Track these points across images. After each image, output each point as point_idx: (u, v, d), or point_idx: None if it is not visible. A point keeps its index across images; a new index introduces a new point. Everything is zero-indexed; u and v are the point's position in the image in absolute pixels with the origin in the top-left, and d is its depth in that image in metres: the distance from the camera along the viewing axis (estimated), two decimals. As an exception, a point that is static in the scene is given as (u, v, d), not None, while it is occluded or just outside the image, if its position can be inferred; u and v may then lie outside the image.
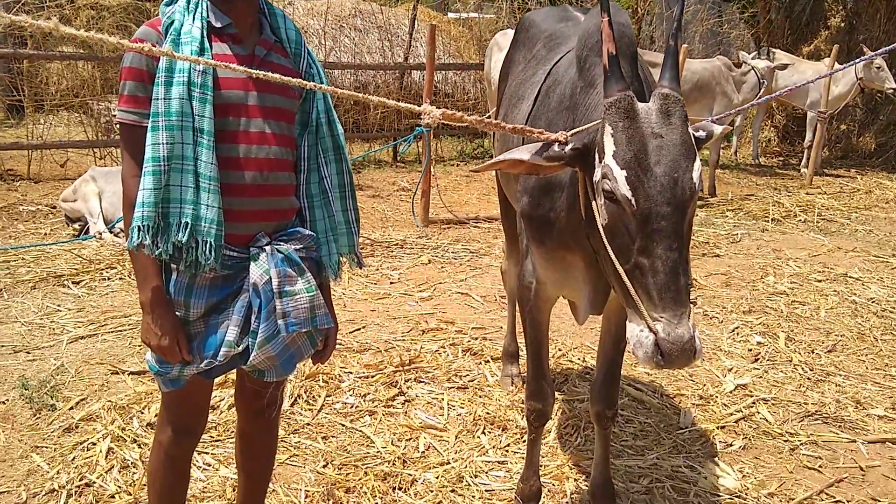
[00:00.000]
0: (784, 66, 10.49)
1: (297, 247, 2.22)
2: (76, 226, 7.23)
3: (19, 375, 4.17)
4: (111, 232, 6.89)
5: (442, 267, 6.63)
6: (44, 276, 5.80)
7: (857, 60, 3.63)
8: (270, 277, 2.11)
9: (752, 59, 10.32)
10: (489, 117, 9.07)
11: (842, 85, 11.22)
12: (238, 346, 2.13)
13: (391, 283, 6.15)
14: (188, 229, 2.03)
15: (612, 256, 2.05)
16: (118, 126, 2.14)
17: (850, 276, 6.62)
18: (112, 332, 4.85)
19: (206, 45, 2.11)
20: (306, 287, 2.17)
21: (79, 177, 7.68)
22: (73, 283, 5.73)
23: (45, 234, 7.26)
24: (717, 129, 2.25)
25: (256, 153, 2.15)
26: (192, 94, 2.04)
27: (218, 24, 2.15)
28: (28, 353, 4.53)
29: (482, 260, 6.87)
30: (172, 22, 2.10)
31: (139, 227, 2.01)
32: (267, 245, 2.17)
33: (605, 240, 2.07)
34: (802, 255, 7.31)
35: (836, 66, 10.36)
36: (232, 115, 2.12)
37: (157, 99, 2.02)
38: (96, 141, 9.96)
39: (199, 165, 2.05)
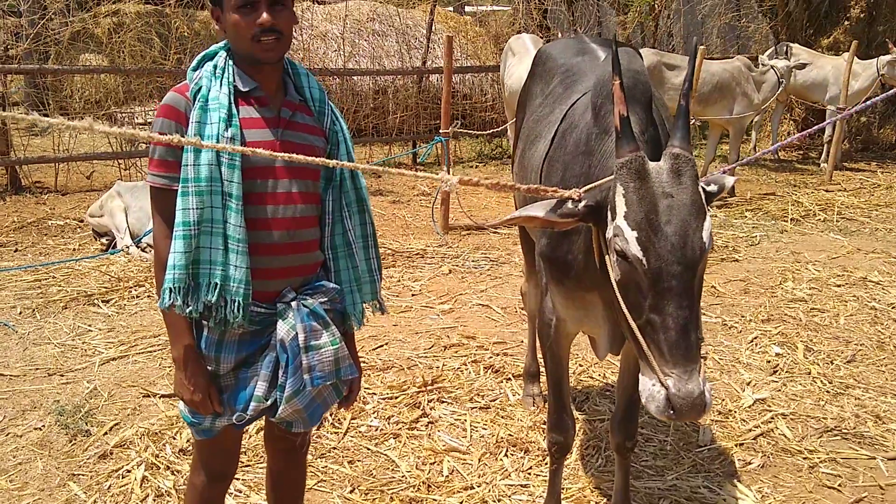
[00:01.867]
0: (803, 66, 10.45)
1: (323, 300, 2.30)
2: (104, 240, 7.38)
3: (54, 400, 4.30)
4: (137, 246, 7.03)
5: (462, 277, 6.72)
6: (74, 296, 5.93)
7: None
8: (297, 333, 2.20)
9: (770, 57, 10.27)
10: (505, 125, 9.08)
11: (862, 80, 11.04)
12: (267, 401, 2.22)
13: (412, 294, 6.24)
14: (217, 289, 2.12)
15: (625, 311, 2.12)
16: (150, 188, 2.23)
17: (869, 280, 6.62)
18: (142, 352, 4.97)
19: (234, 110, 2.18)
20: (331, 340, 2.26)
21: (105, 188, 7.83)
22: (102, 301, 5.86)
23: (74, 249, 7.40)
24: (729, 181, 2.30)
25: (283, 213, 2.23)
26: (221, 159, 2.12)
27: (245, 89, 2.22)
28: (62, 375, 4.66)
29: (502, 269, 6.95)
30: (200, 88, 2.18)
31: (170, 288, 2.10)
32: (293, 300, 2.24)
33: (618, 294, 2.14)
34: (821, 258, 7.31)
35: (855, 62, 10.29)
36: (259, 178, 2.20)
37: (187, 165, 2.11)
38: (120, 152, 10.10)
39: (228, 228, 2.14)
